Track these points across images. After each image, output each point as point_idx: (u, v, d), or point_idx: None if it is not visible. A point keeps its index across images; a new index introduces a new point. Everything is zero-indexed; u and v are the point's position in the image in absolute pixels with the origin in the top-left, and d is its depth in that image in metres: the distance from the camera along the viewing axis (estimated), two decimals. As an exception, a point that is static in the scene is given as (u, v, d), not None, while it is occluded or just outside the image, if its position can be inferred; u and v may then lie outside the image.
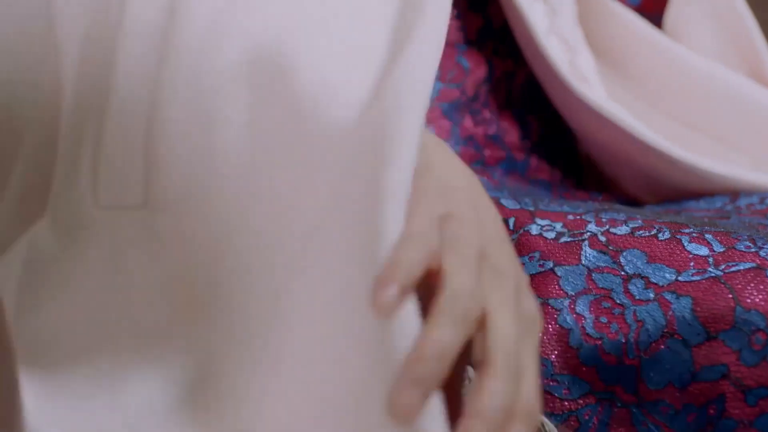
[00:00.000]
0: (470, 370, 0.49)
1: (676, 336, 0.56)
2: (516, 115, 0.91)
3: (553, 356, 0.60)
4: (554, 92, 0.89)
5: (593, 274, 0.61)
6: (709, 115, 0.88)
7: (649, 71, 0.90)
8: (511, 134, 0.90)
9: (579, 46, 0.90)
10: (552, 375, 0.60)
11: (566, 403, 0.59)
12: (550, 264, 0.63)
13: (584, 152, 0.96)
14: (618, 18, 0.92)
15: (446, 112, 0.87)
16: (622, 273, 0.61)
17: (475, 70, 0.89)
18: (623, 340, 0.58)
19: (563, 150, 0.94)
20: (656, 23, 0.95)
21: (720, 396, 0.55)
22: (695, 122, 0.88)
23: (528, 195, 0.76)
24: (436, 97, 0.86)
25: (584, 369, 0.59)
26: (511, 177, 0.87)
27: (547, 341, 0.61)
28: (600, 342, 0.59)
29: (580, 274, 0.62)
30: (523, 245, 0.65)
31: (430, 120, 0.85)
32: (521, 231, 0.65)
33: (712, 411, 0.55)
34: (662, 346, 0.57)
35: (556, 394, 0.59)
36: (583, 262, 0.62)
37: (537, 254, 0.64)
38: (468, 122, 0.87)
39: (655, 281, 0.59)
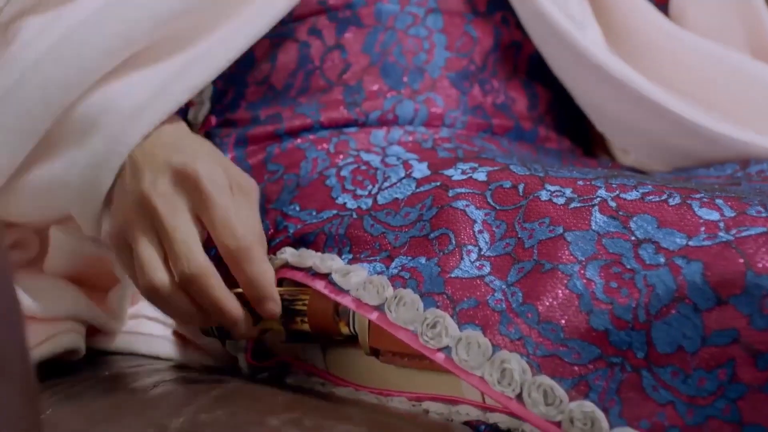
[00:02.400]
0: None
1: (686, 301, 0.56)
2: (524, 85, 0.91)
3: (563, 321, 0.60)
4: (561, 62, 0.89)
5: (603, 240, 0.61)
6: (715, 91, 0.88)
7: (656, 51, 0.90)
8: (519, 104, 0.89)
9: (586, 21, 0.90)
10: (562, 340, 0.59)
11: (576, 368, 0.59)
12: (560, 230, 0.63)
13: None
14: None
15: (454, 81, 0.86)
16: (633, 238, 0.60)
17: (483, 39, 0.89)
18: (633, 305, 0.58)
19: (571, 119, 0.94)
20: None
21: (730, 360, 0.54)
22: (702, 99, 0.88)
23: (537, 162, 0.76)
24: (443, 67, 0.86)
25: (594, 334, 0.59)
26: (519, 145, 0.86)
27: (557, 306, 0.60)
28: (610, 307, 0.59)
29: (590, 239, 0.62)
30: (532, 211, 0.64)
31: (437, 89, 0.85)
32: (531, 197, 0.65)
33: (722, 375, 0.55)
34: (673, 311, 0.56)
35: (566, 359, 0.59)
36: (593, 227, 0.62)
37: (547, 220, 0.64)
38: (476, 91, 0.87)
39: (665, 246, 0.59)
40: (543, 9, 0.85)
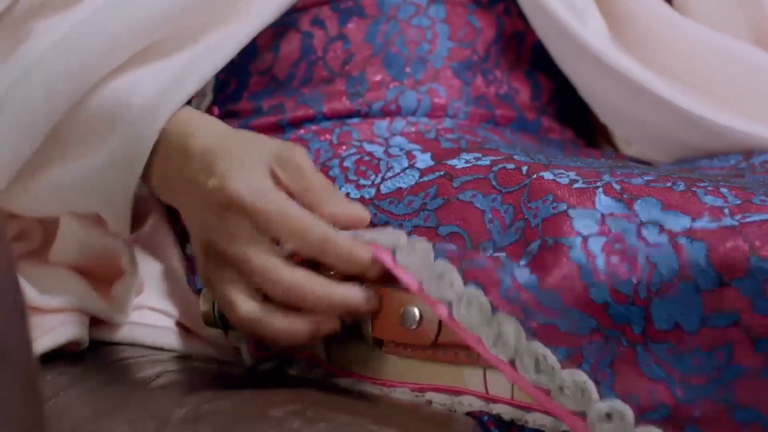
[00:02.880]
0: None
1: (688, 280, 0.56)
2: (527, 75, 0.90)
3: (563, 291, 0.60)
4: (563, 54, 0.89)
5: (607, 219, 0.61)
6: (718, 81, 0.87)
7: (659, 41, 0.89)
8: (523, 94, 0.89)
9: (588, 11, 0.90)
10: (560, 310, 0.59)
11: (571, 338, 0.59)
12: (564, 206, 0.63)
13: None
14: None
15: (457, 71, 0.86)
16: (637, 220, 0.60)
17: (486, 29, 0.88)
18: (635, 281, 0.58)
19: (574, 110, 0.94)
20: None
21: (728, 342, 0.54)
22: (705, 89, 0.87)
23: (540, 152, 0.75)
24: (446, 57, 0.86)
25: (593, 306, 0.59)
26: (522, 136, 0.86)
27: (558, 276, 0.60)
28: (611, 280, 0.58)
29: (593, 217, 0.61)
30: (536, 189, 0.64)
31: (440, 79, 0.85)
32: (534, 176, 0.65)
33: (719, 356, 0.55)
34: (673, 289, 0.56)
35: (561, 329, 0.59)
36: (597, 207, 0.62)
37: (550, 197, 0.64)
38: (479, 81, 0.87)
39: (669, 227, 0.59)
40: (543, 0, 0.85)
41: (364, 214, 0.68)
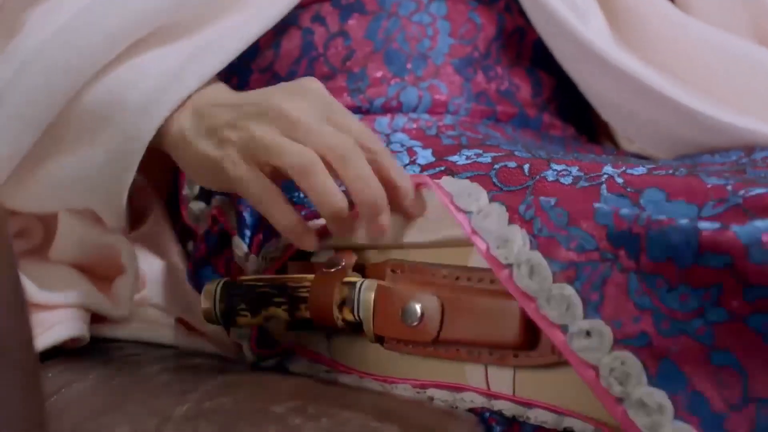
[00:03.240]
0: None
1: (688, 219, 0.56)
2: (528, 72, 0.90)
3: (572, 210, 0.61)
4: (563, 51, 0.89)
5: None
6: (719, 79, 0.87)
7: (659, 39, 0.89)
8: (524, 90, 0.89)
9: (590, 9, 0.90)
10: (565, 225, 0.60)
11: (570, 254, 0.59)
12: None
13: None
14: None
15: (458, 68, 0.86)
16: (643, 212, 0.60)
17: (486, 26, 0.88)
18: (637, 212, 0.58)
19: (576, 106, 0.94)
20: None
21: (718, 284, 0.54)
22: (706, 86, 0.87)
23: (541, 148, 0.75)
24: (447, 53, 0.86)
25: (597, 228, 0.59)
26: (523, 132, 0.86)
27: (572, 195, 0.62)
28: (617, 209, 0.59)
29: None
30: (540, 192, 0.64)
31: (441, 75, 0.85)
32: (537, 177, 0.65)
33: (706, 297, 0.54)
34: (672, 223, 0.56)
35: (562, 244, 0.60)
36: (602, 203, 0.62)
37: (553, 201, 0.64)
38: (480, 78, 0.87)
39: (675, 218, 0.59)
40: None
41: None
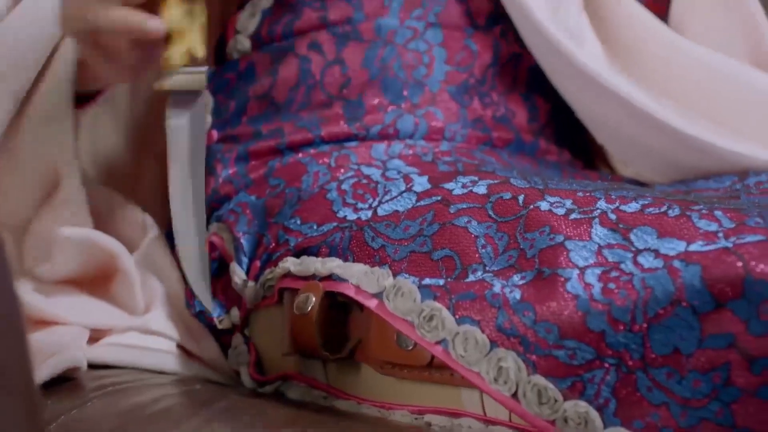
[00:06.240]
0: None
1: (684, 303, 0.57)
2: (524, 97, 0.91)
3: (560, 322, 0.60)
4: (559, 76, 0.89)
5: (603, 251, 0.62)
6: (714, 101, 0.88)
7: (654, 60, 0.90)
8: (520, 116, 0.90)
9: (585, 34, 0.90)
10: (558, 340, 0.60)
11: (571, 369, 0.59)
12: (561, 238, 0.63)
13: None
14: (624, 7, 0.92)
15: (454, 95, 0.87)
16: (633, 249, 0.61)
17: (483, 53, 0.89)
18: (631, 307, 0.58)
19: (572, 131, 0.94)
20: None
21: (725, 364, 0.55)
22: (701, 109, 0.88)
23: (537, 175, 0.76)
24: (443, 80, 0.86)
25: (591, 335, 0.59)
26: (519, 158, 0.87)
27: (554, 306, 0.61)
28: (608, 308, 0.59)
29: (590, 249, 0.62)
30: (532, 220, 0.65)
31: (437, 102, 0.86)
32: (531, 207, 0.66)
33: (716, 378, 0.55)
34: (670, 314, 0.57)
35: (561, 360, 0.60)
36: (594, 239, 0.63)
37: (547, 228, 0.64)
38: (476, 104, 0.87)
39: (664, 252, 0.59)
40: (540, 24, 0.86)
41: None
